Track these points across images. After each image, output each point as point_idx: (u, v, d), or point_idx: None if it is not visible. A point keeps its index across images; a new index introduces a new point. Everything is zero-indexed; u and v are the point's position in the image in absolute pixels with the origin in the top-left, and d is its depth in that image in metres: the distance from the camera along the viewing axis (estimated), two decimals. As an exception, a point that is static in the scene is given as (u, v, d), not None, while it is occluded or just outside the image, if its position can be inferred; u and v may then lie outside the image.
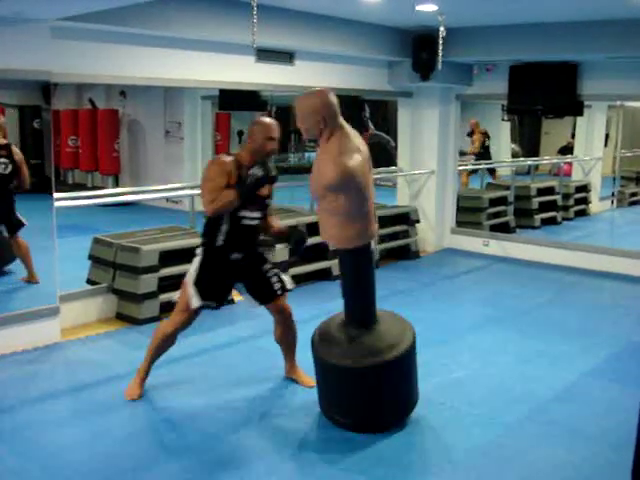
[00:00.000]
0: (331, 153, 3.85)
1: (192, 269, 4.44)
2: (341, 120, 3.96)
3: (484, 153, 12.96)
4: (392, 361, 4.08)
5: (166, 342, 4.55)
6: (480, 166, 11.94)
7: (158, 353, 4.61)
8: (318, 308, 6.53)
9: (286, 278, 4.73)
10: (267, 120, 4.40)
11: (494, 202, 10.47)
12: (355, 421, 4.19)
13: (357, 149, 3.91)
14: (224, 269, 4.48)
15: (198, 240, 6.50)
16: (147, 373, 4.63)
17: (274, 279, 4.63)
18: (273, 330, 4.84)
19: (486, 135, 12.96)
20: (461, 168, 10.62)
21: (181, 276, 6.14)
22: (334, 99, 3.95)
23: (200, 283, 4.38)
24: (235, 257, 4.46)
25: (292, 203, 9.09)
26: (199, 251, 4.48)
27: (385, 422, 4.21)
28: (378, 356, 4.06)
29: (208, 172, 4.32)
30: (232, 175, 4.25)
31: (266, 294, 4.63)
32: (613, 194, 10.50)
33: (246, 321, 6.19)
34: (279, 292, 4.64)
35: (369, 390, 4.11)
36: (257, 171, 4.22)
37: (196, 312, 4.45)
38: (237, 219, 4.37)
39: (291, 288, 4.74)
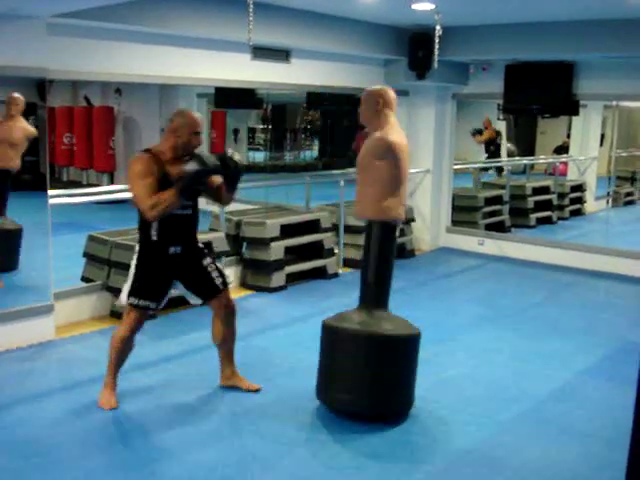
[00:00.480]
0: (380, 132, 4.23)
1: (131, 267, 4.35)
2: (392, 114, 4.33)
3: (495, 151, 12.97)
4: (399, 337, 4.25)
5: (125, 346, 4.40)
6: (483, 164, 12.00)
7: (120, 359, 4.43)
8: (314, 306, 6.56)
9: (227, 272, 4.62)
10: (192, 114, 4.31)
11: (489, 201, 10.48)
12: (355, 398, 4.23)
13: (401, 136, 4.32)
14: (162, 265, 4.31)
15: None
16: (115, 381, 4.46)
17: (214, 274, 4.48)
18: (211, 331, 4.62)
19: (498, 134, 12.98)
20: (457, 167, 10.63)
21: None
22: (392, 95, 4.35)
23: (136, 281, 4.28)
24: (173, 251, 4.29)
25: (288, 202, 9.09)
26: (136, 248, 4.36)
27: (381, 405, 4.26)
28: (385, 330, 4.22)
29: (134, 172, 4.13)
30: (154, 172, 4.13)
31: (207, 289, 4.48)
32: (608, 194, 10.51)
33: (240, 319, 6.16)
34: (221, 287, 4.50)
35: (372, 362, 4.18)
36: (192, 166, 4.07)
37: (144, 310, 4.33)
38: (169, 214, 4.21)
39: (230, 282, 4.62)
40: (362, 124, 4.41)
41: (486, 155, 12.76)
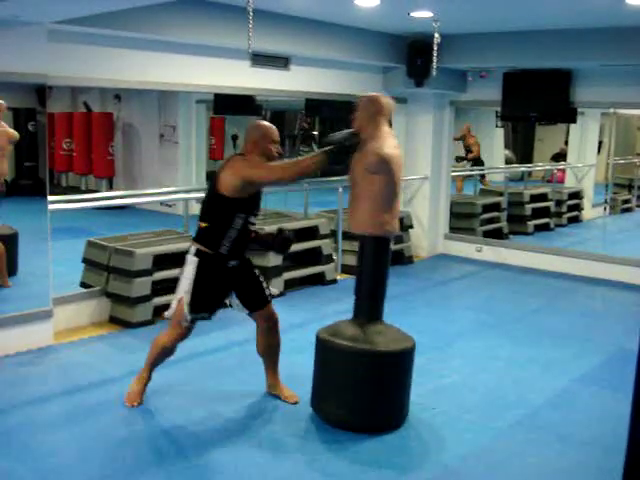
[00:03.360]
0: (373, 143, 4.16)
1: (185, 280, 4.26)
2: (386, 122, 4.30)
3: (478, 159, 13.04)
4: (392, 353, 4.21)
5: (165, 354, 4.49)
6: (473, 172, 12.00)
7: (157, 363, 4.53)
8: (312, 312, 6.57)
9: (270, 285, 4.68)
10: (267, 123, 4.37)
11: (487, 208, 10.51)
12: (348, 413, 4.23)
13: (395, 146, 4.27)
14: (221, 277, 4.33)
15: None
16: (148, 380, 4.54)
17: (265, 284, 4.56)
18: (256, 341, 4.65)
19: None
20: (455, 174, 10.66)
21: (175, 280, 6.19)
22: (389, 102, 4.34)
23: (196, 295, 4.23)
24: (232, 264, 4.32)
25: (286, 208, 9.11)
26: (192, 259, 4.25)
27: (375, 419, 4.26)
28: (379, 345, 4.19)
29: (250, 163, 4.17)
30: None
31: (258, 300, 4.51)
32: (606, 201, 10.54)
33: (240, 326, 6.19)
34: (269, 298, 4.56)
35: (365, 378, 4.19)
36: (342, 135, 4.18)
37: (192, 324, 4.35)
38: (247, 225, 4.27)
39: (276, 294, 4.63)
40: (357, 129, 4.31)
41: (470, 164, 12.81)
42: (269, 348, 4.64)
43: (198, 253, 4.24)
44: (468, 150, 12.99)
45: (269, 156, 4.25)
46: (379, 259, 4.29)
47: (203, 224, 4.26)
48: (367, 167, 4.14)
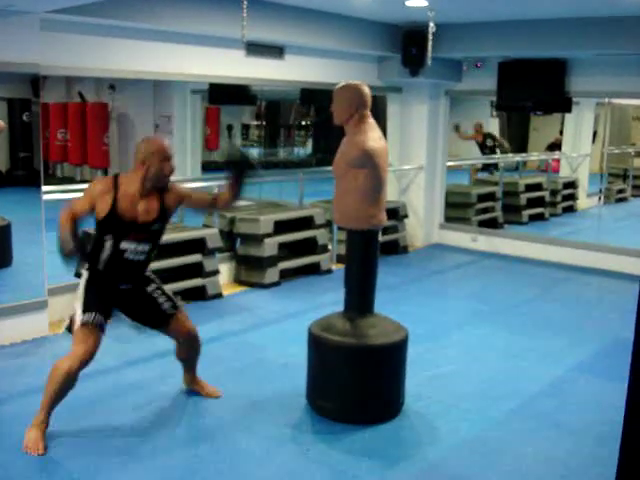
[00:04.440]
0: (356, 136, 4.11)
1: (78, 294, 3.98)
2: (368, 113, 4.20)
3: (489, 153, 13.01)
4: (384, 346, 4.19)
5: (70, 381, 3.84)
6: (476, 161, 12.00)
7: (61, 395, 3.89)
8: (308, 302, 6.57)
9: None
10: (158, 139, 4.04)
11: (482, 198, 10.53)
12: (341, 407, 4.24)
13: (379, 138, 4.19)
14: (109, 292, 4.05)
15: (185, 234, 6.54)
16: (48, 421, 3.90)
17: (161, 299, 4.19)
18: (174, 348, 4.45)
19: (489, 136, 13.02)
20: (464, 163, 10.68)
21: (168, 270, 6.20)
22: (368, 91, 4.21)
23: (87, 297, 3.94)
24: (124, 287, 4.09)
25: (281, 198, 9.10)
26: (84, 272, 4.07)
27: (369, 412, 4.26)
28: (371, 339, 4.18)
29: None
30: (102, 200, 3.89)
31: (155, 316, 4.19)
32: (600, 191, 10.55)
33: (234, 316, 6.20)
34: (169, 311, 4.20)
35: (358, 372, 4.18)
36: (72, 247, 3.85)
37: (98, 338, 3.88)
38: (118, 252, 3.95)
39: (181, 305, 4.30)
40: (338, 124, 4.23)
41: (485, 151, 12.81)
42: (187, 357, 4.48)
43: (88, 268, 4.06)
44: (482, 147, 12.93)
45: (161, 177, 3.94)
46: (367, 252, 4.27)
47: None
48: (351, 162, 4.08)
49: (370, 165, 4.06)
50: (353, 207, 4.15)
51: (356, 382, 4.21)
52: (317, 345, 4.31)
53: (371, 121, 4.19)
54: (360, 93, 4.16)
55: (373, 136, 4.12)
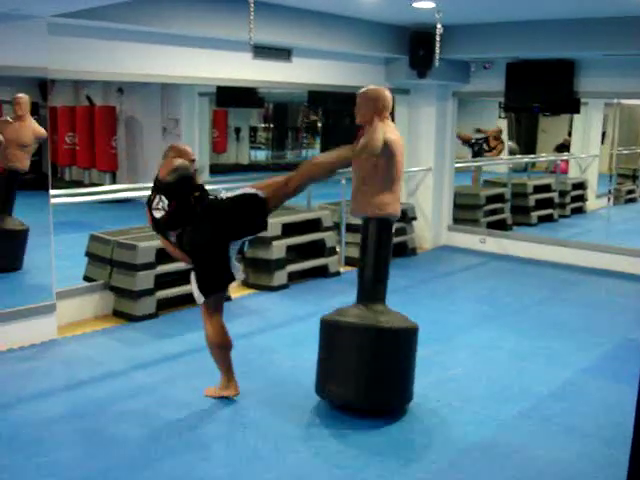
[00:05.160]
0: (375, 130, 4.20)
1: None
2: (388, 115, 4.39)
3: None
4: (397, 330, 4.27)
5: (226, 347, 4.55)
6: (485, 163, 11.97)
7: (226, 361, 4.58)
8: (315, 305, 6.56)
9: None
10: (183, 145, 4.59)
11: (491, 199, 10.50)
12: (353, 393, 4.28)
13: (397, 133, 4.37)
14: None
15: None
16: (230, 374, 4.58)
17: None
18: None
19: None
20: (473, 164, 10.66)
21: (177, 273, 6.21)
22: (389, 95, 4.42)
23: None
24: None
25: (289, 200, 9.07)
26: None
27: (381, 398, 4.30)
28: (383, 323, 4.25)
29: None
30: None
31: None
32: (610, 191, 10.50)
33: (242, 318, 6.20)
34: None
35: (371, 355, 4.23)
36: None
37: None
38: None
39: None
40: (360, 123, 4.39)
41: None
42: None
43: None
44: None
45: None
46: (382, 241, 4.38)
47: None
48: (370, 151, 4.19)
49: (388, 154, 4.19)
50: (370, 195, 4.29)
51: (367, 365, 4.25)
52: (329, 329, 4.38)
53: (389, 122, 4.38)
54: (384, 97, 4.38)
55: (391, 129, 4.30)
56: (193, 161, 4.47)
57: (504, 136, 13.31)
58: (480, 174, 11.65)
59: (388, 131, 4.23)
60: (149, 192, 4.45)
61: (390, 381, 4.30)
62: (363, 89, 4.46)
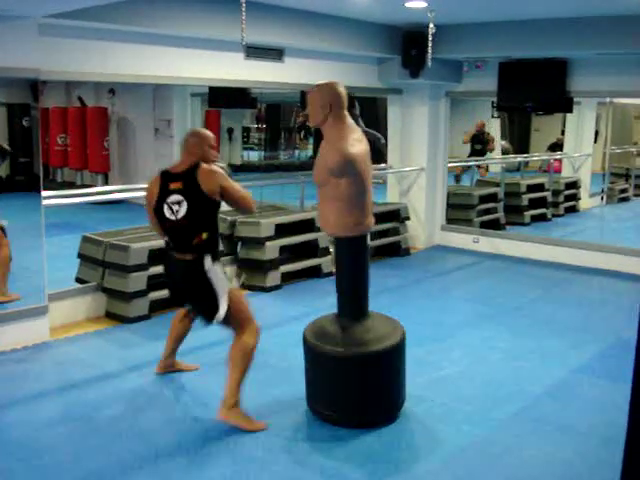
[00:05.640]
0: (334, 141, 3.97)
1: (221, 282, 4.14)
2: (345, 113, 4.06)
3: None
4: (380, 353, 4.12)
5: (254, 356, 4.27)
6: (474, 162, 11.98)
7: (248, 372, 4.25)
8: (309, 306, 6.54)
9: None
10: (203, 130, 4.29)
11: (484, 199, 10.50)
12: (340, 413, 4.20)
13: (359, 140, 4.05)
14: None
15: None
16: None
17: None
18: (174, 327, 4.87)
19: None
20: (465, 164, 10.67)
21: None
22: (343, 91, 4.07)
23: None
24: None
25: (282, 201, 9.08)
26: (214, 268, 4.12)
27: (368, 417, 4.22)
28: (366, 346, 4.11)
29: (225, 179, 4.06)
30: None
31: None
32: (603, 190, 10.52)
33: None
34: None
35: (355, 380, 4.13)
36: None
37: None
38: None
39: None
40: (314, 126, 4.11)
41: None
42: (184, 334, 4.93)
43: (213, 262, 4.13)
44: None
45: (208, 161, 4.12)
46: (357, 259, 4.19)
47: (204, 235, 4.09)
48: (331, 170, 3.93)
49: (352, 172, 3.92)
50: (338, 215, 4.03)
51: (353, 390, 4.14)
52: (312, 354, 4.27)
53: (349, 121, 4.06)
54: (334, 92, 4.02)
55: (351, 140, 3.97)
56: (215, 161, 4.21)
57: (496, 134, 13.34)
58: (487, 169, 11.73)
59: (348, 142, 3.91)
60: (141, 193, 4.38)
61: (378, 399, 4.22)
62: (313, 87, 4.11)
